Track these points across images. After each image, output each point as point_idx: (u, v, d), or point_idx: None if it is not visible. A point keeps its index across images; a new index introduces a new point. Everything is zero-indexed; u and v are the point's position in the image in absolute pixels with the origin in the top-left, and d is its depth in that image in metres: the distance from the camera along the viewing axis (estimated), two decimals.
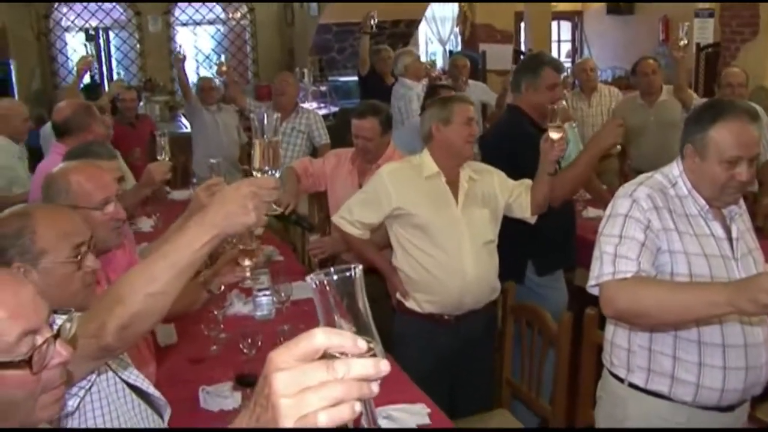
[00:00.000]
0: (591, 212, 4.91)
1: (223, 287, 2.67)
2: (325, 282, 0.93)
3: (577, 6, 14.06)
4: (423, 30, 13.40)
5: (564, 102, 3.16)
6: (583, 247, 4.13)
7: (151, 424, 1.47)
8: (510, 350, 3.40)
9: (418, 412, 2.53)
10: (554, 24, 13.22)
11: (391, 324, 3.42)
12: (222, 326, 3.13)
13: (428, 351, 3.25)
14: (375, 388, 0.85)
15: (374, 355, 0.89)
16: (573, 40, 14.47)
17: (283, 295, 3.40)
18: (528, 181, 3.31)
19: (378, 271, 3.43)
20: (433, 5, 12.48)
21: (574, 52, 14.06)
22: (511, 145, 3.69)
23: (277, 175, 1.84)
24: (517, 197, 3.31)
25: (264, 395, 0.85)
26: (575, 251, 3.96)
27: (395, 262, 3.33)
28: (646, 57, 6.09)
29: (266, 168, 1.83)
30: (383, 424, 2.43)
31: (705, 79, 8.99)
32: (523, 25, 12.25)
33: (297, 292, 3.40)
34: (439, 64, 12.01)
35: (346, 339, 0.85)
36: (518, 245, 3.48)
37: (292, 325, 3.04)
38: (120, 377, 1.49)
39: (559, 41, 14.22)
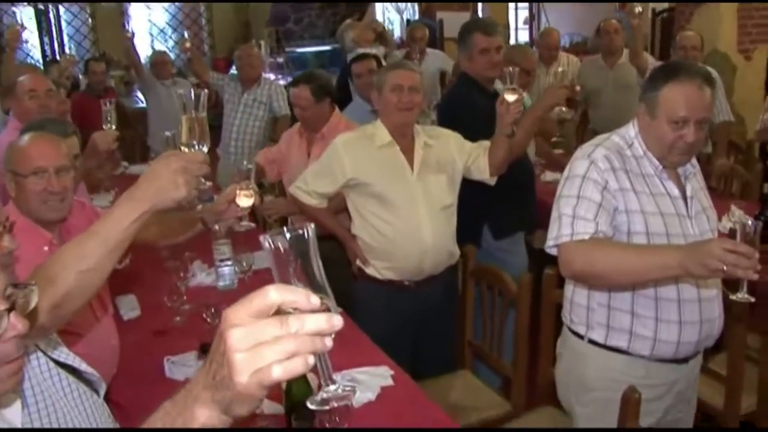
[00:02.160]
0: (548, 176, 4.97)
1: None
2: (279, 241, 0.94)
3: None
4: None
5: (515, 68, 3.16)
6: (542, 210, 4.20)
7: (85, 402, 1.47)
8: (471, 313, 3.45)
9: (382, 374, 2.57)
10: None
11: (353, 290, 3.45)
12: (185, 297, 3.14)
13: (390, 316, 3.28)
14: (329, 342, 0.88)
15: (328, 311, 0.91)
16: (530, 7, 14.47)
17: (245, 264, 3.40)
18: (486, 143, 3.33)
19: (338, 238, 3.45)
20: None
21: (531, 19, 14.07)
22: (461, 111, 3.73)
23: (205, 149, 1.87)
24: (476, 159, 3.33)
25: (220, 352, 0.87)
26: (535, 214, 4.01)
27: (354, 229, 3.35)
28: (613, 17, 6.16)
29: (194, 143, 1.86)
30: (351, 384, 2.45)
31: (661, 43, 9.10)
32: None
33: (259, 262, 3.41)
34: (397, 33, 11.97)
35: (299, 295, 0.87)
36: (474, 209, 3.51)
37: None
38: (50, 357, 1.49)
39: (516, 8, 14.23)
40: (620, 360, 2.37)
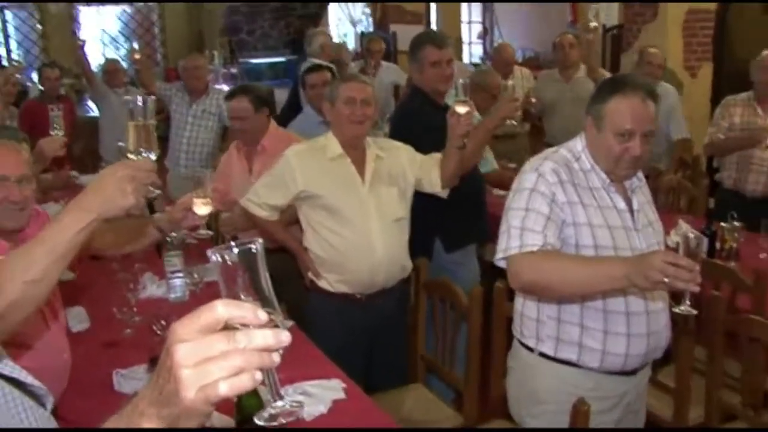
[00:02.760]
0: (501, 190, 5.00)
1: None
2: (227, 255, 0.94)
3: None
4: (334, 10, 13.33)
5: (465, 79, 3.18)
6: (494, 223, 4.22)
7: (31, 417, 1.44)
8: (423, 326, 3.45)
9: (334, 387, 2.56)
10: (464, 5, 13.37)
11: (306, 302, 3.43)
12: (135, 309, 3.09)
13: (342, 329, 3.27)
14: (276, 358, 0.87)
15: (276, 326, 0.92)
16: (483, 21, 14.63)
17: (196, 276, 3.37)
18: (437, 155, 3.34)
19: (289, 250, 3.44)
20: None
21: (485, 33, 14.23)
22: (412, 125, 3.75)
23: (153, 157, 1.85)
24: (427, 172, 3.34)
25: (166, 367, 0.86)
26: (486, 226, 4.04)
27: (305, 242, 3.34)
28: (566, 32, 6.30)
29: (141, 150, 1.84)
30: (299, 399, 2.44)
31: (611, 59, 9.25)
32: (433, 6, 12.34)
33: (210, 274, 3.36)
34: (351, 45, 11.99)
35: (247, 310, 0.87)
36: (425, 222, 3.52)
37: None
38: None
39: (470, 22, 14.36)
40: (570, 372, 2.40)
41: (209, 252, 0.95)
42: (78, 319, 3.10)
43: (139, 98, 1.90)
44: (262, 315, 0.87)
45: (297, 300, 3.68)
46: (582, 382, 2.39)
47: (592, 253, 2.30)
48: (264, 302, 0.95)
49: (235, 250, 0.95)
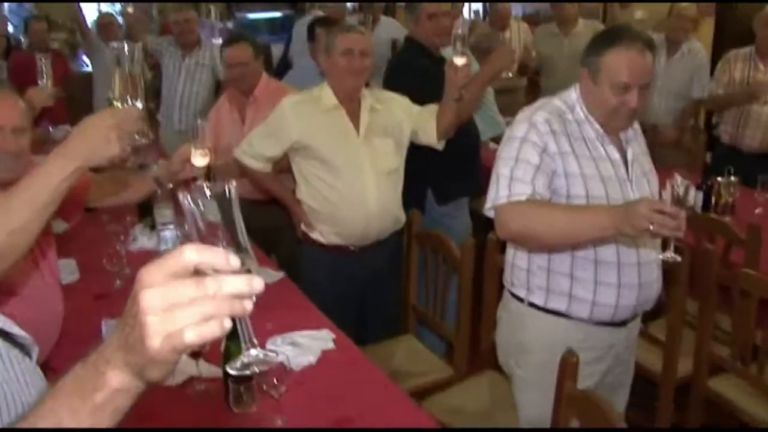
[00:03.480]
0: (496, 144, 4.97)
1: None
2: (200, 199, 0.92)
3: None
4: None
5: (464, 28, 3.11)
6: (488, 177, 4.20)
7: (16, 366, 1.43)
8: (415, 277, 3.44)
9: (323, 338, 2.56)
10: None
11: (298, 254, 3.42)
12: (125, 261, 3.07)
13: (335, 280, 3.27)
14: (248, 305, 0.84)
15: (249, 272, 0.88)
16: None
17: (187, 228, 3.35)
18: (433, 107, 3.30)
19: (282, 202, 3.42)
20: None
21: None
22: (408, 76, 3.69)
23: (140, 105, 1.82)
24: (423, 123, 3.30)
25: (132, 314, 0.82)
26: (479, 180, 4.01)
27: (299, 194, 3.31)
28: None
29: (127, 98, 1.81)
30: (288, 349, 2.45)
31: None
32: None
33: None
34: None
35: (218, 255, 0.83)
36: (418, 175, 3.48)
37: None
38: None
39: None
40: (559, 323, 2.39)
41: (180, 195, 0.92)
42: (68, 270, 3.09)
43: (126, 45, 1.87)
44: (234, 260, 0.83)
45: (289, 252, 3.69)
46: (571, 333, 2.38)
47: (584, 203, 2.28)
48: (237, 248, 0.93)
49: (208, 194, 0.92)
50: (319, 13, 6.69)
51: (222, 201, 0.93)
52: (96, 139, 1.63)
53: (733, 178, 3.92)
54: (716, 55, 6.12)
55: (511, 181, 2.24)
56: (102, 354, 0.88)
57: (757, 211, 3.94)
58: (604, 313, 2.36)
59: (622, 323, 2.44)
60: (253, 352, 0.95)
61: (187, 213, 0.92)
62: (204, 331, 0.80)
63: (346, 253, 3.28)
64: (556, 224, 2.16)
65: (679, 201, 1.97)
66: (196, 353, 2.33)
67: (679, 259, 2.10)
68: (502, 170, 2.29)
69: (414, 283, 3.45)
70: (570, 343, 2.27)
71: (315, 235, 3.30)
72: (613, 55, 2.25)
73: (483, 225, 3.79)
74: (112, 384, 0.86)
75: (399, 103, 3.33)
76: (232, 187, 0.94)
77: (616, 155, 2.36)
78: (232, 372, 0.98)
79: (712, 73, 5.21)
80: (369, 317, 3.43)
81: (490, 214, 2.32)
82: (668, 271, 2.57)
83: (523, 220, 2.20)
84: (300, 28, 6.42)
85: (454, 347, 3.20)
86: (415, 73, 3.69)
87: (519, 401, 2.57)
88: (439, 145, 3.37)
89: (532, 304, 2.43)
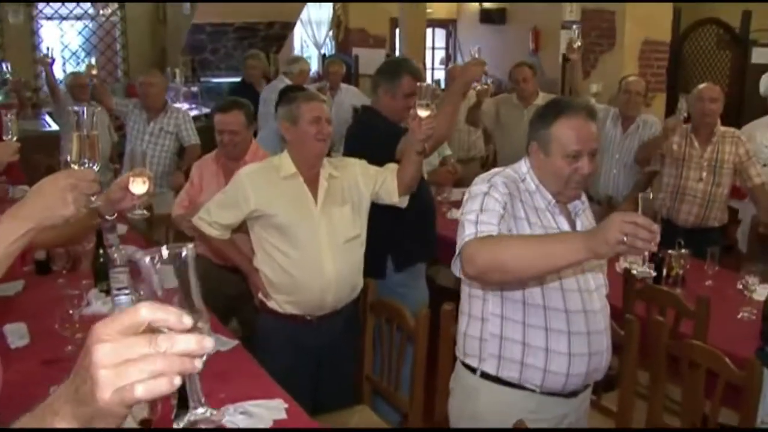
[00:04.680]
0: (455, 213, 5.04)
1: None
2: (156, 259, 0.93)
3: (452, 14, 14.40)
4: (298, 33, 13.40)
5: (430, 83, 3.19)
6: (445, 246, 4.26)
7: None
8: (370, 347, 3.45)
9: (275, 407, 2.55)
10: (428, 31, 13.49)
11: (256, 321, 3.42)
12: (78, 326, 3.04)
13: (290, 349, 3.25)
14: (198, 364, 0.86)
15: (201, 333, 0.90)
16: (447, 47, 14.79)
17: (142, 293, 3.33)
18: (393, 165, 3.34)
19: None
20: (309, 7, 12.51)
21: (447, 59, 14.39)
22: (366, 144, 3.75)
23: (96, 167, 1.85)
24: (383, 183, 3.33)
25: (84, 366, 0.85)
26: (435, 246, 4.07)
27: (256, 262, 3.32)
28: (522, 63, 6.23)
29: (84, 160, 1.84)
30: (239, 419, 2.43)
31: (569, 87, 9.40)
32: (398, 31, 12.44)
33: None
34: (314, 67, 12.03)
35: (171, 314, 0.86)
36: (377, 240, 3.50)
37: None
38: None
39: (433, 48, 14.51)
40: (511, 394, 2.41)
41: (138, 254, 0.94)
42: (18, 334, 3.05)
43: (85, 108, 1.90)
44: (187, 320, 0.86)
45: (250, 319, 3.68)
46: (523, 404, 2.40)
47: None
48: (191, 309, 0.94)
49: (165, 254, 0.94)
50: (286, 80, 6.82)
51: (178, 262, 0.94)
52: (52, 200, 1.65)
53: (684, 250, 4.02)
54: None
55: (478, 224, 2.24)
56: (50, 406, 0.90)
57: (707, 283, 4.03)
58: (555, 381, 2.39)
59: (574, 394, 2.47)
60: (200, 410, 0.97)
61: (144, 271, 0.94)
62: (154, 388, 0.83)
63: (302, 323, 3.27)
64: (526, 252, 2.10)
65: (650, 213, 1.96)
66: (147, 421, 2.31)
67: (654, 273, 2.12)
68: (468, 218, 2.29)
69: (369, 353, 3.45)
70: (522, 414, 2.29)
71: (271, 304, 3.30)
72: (561, 126, 2.34)
73: (439, 295, 3.85)
74: None
75: (357, 167, 3.37)
76: (188, 249, 0.96)
77: (565, 226, 2.42)
78: (177, 427, 0.98)
79: None
80: (324, 387, 3.40)
81: (456, 269, 2.29)
82: (619, 342, 2.61)
83: (492, 250, 2.15)
84: (268, 93, 6.55)
85: (408, 418, 3.20)
86: (373, 131, 3.78)
87: None
88: (402, 202, 3.40)
89: (484, 375, 2.45)
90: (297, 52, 13.34)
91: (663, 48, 7.69)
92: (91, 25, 12.36)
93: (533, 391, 2.41)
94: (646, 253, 2.04)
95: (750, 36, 8.12)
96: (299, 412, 2.57)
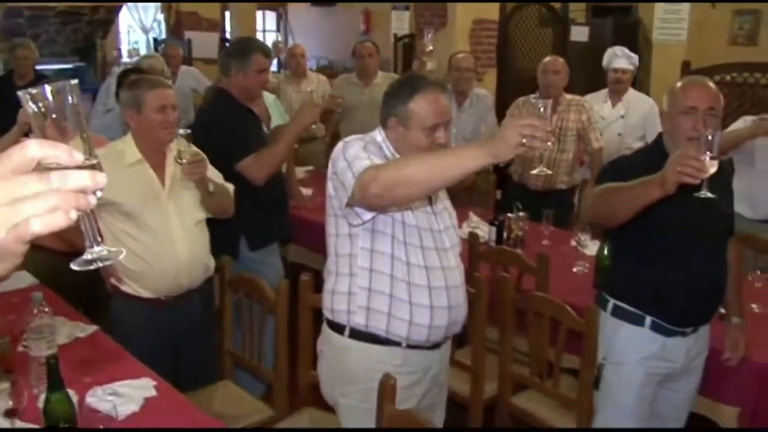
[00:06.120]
0: (304, 191, 5.13)
1: None
2: (40, 95, 0.89)
3: None
4: (125, 17, 12.95)
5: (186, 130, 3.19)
6: (298, 224, 4.34)
7: None
8: (230, 323, 3.48)
9: (144, 386, 2.55)
10: (259, 14, 13.43)
11: (107, 308, 3.35)
12: None
13: (148, 332, 3.21)
14: (93, 200, 0.85)
15: (93, 167, 0.89)
16: (278, 30, 14.76)
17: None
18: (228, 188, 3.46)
19: None
20: None
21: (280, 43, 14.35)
22: (219, 127, 3.77)
23: None
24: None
25: None
26: (289, 225, 4.15)
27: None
28: (366, 40, 6.43)
29: None
30: (109, 400, 2.41)
31: (403, 66, 9.66)
32: (227, 14, 12.31)
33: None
34: (143, 52, 11.69)
35: (61, 150, 0.83)
36: (230, 220, 3.52)
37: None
38: None
39: (264, 31, 14.45)
40: (379, 350, 2.52)
41: (20, 93, 0.88)
42: None
43: None
44: (78, 156, 0.84)
45: (97, 306, 3.60)
46: (390, 359, 2.52)
47: (400, 229, 2.46)
48: (82, 137, 0.91)
49: (48, 88, 0.89)
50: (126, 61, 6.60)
51: (62, 95, 0.89)
52: None
53: (521, 213, 4.30)
54: (499, 104, 6.66)
55: (370, 160, 2.33)
56: None
57: (544, 242, 4.33)
58: (420, 333, 2.52)
59: (436, 345, 2.62)
60: (97, 248, 0.95)
61: (29, 112, 0.89)
62: (50, 222, 0.81)
63: (158, 305, 3.24)
64: (431, 162, 2.17)
65: (541, 117, 2.10)
66: (12, 411, 2.26)
67: (549, 171, 2.30)
68: (356, 157, 2.36)
69: (229, 329, 3.48)
70: (389, 368, 2.41)
71: (125, 288, 3.24)
72: (418, 101, 2.47)
73: (291, 272, 3.92)
74: None
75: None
76: (71, 83, 0.90)
77: None
78: (75, 267, 0.96)
79: (499, 117, 5.68)
80: (185, 366, 3.38)
81: (351, 214, 2.41)
82: (469, 300, 2.78)
83: (395, 167, 2.25)
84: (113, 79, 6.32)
85: (273, 388, 3.26)
86: (227, 120, 3.80)
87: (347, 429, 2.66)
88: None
89: (353, 333, 2.55)
90: (124, 37, 12.93)
91: (492, 26, 8.05)
92: None
93: (399, 344, 2.53)
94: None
95: (569, 15, 8.64)
96: (168, 388, 2.59)
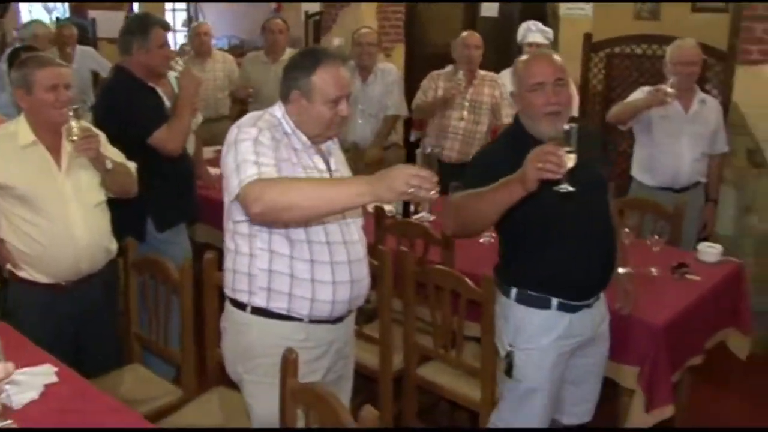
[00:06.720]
0: (212, 170, 5.07)
1: None
2: None
3: None
4: None
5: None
6: (205, 204, 4.31)
7: None
8: (135, 305, 3.44)
9: (44, 372, 2.50)
10: None
11: (6, 294, 3.28)
12: None
13: (48, 318, 3.16)
14: None
15: None
16: (188, 9, 14.48)
17: None
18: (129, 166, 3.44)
19: None
20: None
21: (189, 21, 14.09)
22: (121, 104, 3.73)
23: None
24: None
25: None
26: (197, 205, 4.12)
27: (2, 233, 3.17)
28: (276, 17, 6.43)
29: None
30: (6, 389, 2.36)
31: (313, 43, 9.61)
32: None
33: None
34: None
35: None
36: (136, 202, 3.49)
37: None
38: None
39: (174, 10, 14.16)
40: (281, 326, 2.53)
41: None
42: None
43: None
44: None
45: None
46: (293, 334, 2.53)
47: None
48: None
49: None
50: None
51: None
52: None
53: None
54: (408, 78, 6.71)
55: (259, 165, 2.32)
56: None
57: None
58: (322, 309, 2.54)
59: (339, 319, 2.64)
60: None
61: None
62: None
63: (58, 290, 3.18)
64: (315, 192, 2.25)
65: (427, 165, 2.19)
66: None
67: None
68: (244, 158, 2.35)
69: (135, 311, 3.44)
70: (292, 343, 2.42)
71: (22, 274, 3.17)
72: (321, 74, 2.48)
73: (200, 250, 3.89)
74: None
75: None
76: None
77: (321, 165, 2.57)
78: None
79: (408, 91, 5.75)
80: (89, 351, 3.33)
81: (235, 211, 2.47)
82: (374, 273, 2.81)
83: (281, 190, 2.25)
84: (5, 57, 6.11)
85: (181, 368, 3.24)
86: (131, 96, 3.77)
87: (251, 405, 2.65)
88: None
89: (254, 310, 2.54)
90: (25, 16, 12.48)
91: (400, 2, 8.06)
92: None
93: (301, 320, 2.55)
94: None
95: None
96: (71, 374, 2.55)
